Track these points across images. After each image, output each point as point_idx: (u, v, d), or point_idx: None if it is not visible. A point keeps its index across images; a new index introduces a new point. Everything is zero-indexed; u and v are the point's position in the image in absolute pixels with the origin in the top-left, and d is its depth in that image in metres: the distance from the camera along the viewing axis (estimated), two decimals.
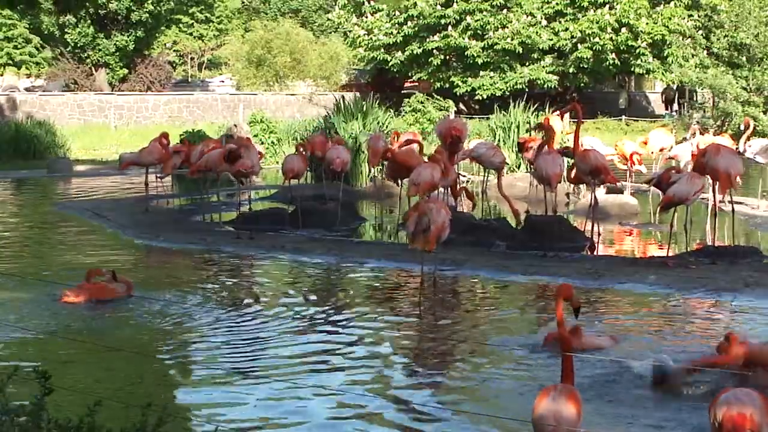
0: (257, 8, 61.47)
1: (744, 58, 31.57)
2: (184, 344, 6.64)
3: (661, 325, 7.17)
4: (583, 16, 35.00)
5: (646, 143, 15.45)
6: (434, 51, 36.17)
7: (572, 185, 14.55)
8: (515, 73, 35.54)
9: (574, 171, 11.47)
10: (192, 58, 57.62)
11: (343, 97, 22.85)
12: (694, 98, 35.30)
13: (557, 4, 35.43)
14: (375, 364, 6.11)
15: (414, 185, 9.85)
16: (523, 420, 4.92)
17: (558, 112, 13.95)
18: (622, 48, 35.09)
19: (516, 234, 11.10)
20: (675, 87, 40.14)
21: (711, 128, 26.75)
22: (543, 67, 35.50)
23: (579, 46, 34.93)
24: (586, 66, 35.33)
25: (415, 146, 11.96)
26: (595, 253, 10.58)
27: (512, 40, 34.89)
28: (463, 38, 35.56)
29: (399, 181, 12.25)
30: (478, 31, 35.59)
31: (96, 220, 12.91)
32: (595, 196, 11.10)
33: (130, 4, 38.61)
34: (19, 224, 13.67)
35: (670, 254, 9.87)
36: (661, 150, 15.40)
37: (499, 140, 17.56)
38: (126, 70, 40.69)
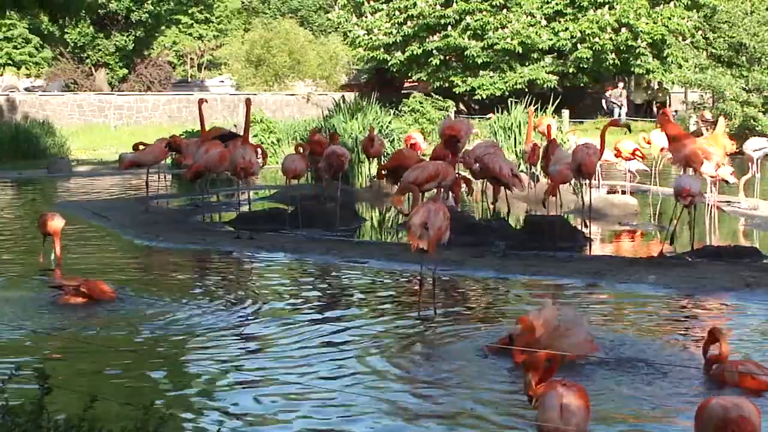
0: (257, 8, 61.41)
1: (743, 59, 31.55)
2: (184, 344, 6.64)
3: (661, 326, 7.16)
4: (583, 16, 34.96)
5: (648, 142, 15.41)
6: (434, 51, 36.14)
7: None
8: (515, 73, 35.52)
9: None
10: (191, 59, 57.60)
11: (343, 97, 22.86)
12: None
13: (557, 4, 35.38)
14: (373, 364, 6.11)
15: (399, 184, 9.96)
16: (524, 420, 4.93)
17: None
18: (622, 48, 35.07)
19: (516, 234, 11.13)
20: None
21: (709, 129, 26.73)
22: (543, 67, 35.46)
23: (579, 46, 34.89)
24: (586, 66, 35.30)
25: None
26: (594, 253, 10.60)
27: (512, 40, 34.86)
28: (463, 38, 35.54)
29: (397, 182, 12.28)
30: (478, 31, 35.56)
31: (96, 220, 12.90)
32: (590, 196, 11.23)
33: (130, 4, 38.59)
34: (19, 224, 13.66)
35: (670, 254, 9.87)
36: (662, 150, 15.37)
37: (499, 140, 17.53)
38: (126, 70, 40.68)
